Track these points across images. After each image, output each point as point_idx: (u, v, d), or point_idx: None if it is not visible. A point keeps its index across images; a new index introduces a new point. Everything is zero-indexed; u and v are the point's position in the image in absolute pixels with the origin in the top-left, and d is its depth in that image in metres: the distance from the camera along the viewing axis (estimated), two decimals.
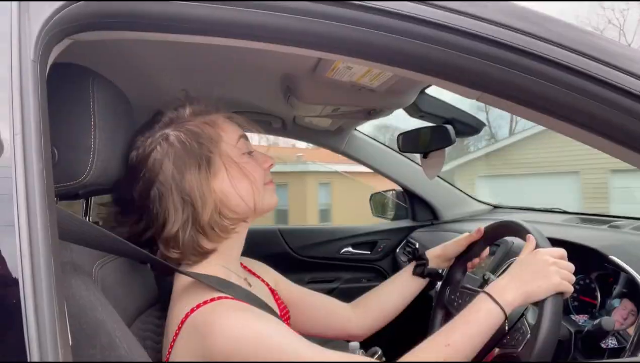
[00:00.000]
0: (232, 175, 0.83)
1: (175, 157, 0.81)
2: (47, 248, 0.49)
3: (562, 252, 0.83)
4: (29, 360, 0.46)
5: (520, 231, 0.95)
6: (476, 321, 0.78)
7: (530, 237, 0.87)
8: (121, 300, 0.81)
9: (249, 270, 1.02)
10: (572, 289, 0.79)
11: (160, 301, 1.01)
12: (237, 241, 0.90)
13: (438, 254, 1.13)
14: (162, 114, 0.86)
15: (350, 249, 2.20)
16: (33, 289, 0.47)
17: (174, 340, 0.74)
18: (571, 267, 0.81)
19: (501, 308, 0.77)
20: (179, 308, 0.77)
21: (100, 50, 0.90)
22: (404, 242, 2.17)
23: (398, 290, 1.12)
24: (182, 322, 0.74)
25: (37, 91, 0.54)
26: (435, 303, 1.14)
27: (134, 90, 0.99)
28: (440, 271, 1.14)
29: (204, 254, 0.83)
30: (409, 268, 1.13)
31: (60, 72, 0.76)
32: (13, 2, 0.56)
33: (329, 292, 1.98)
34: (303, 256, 2.14)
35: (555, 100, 0.65)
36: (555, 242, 0.89)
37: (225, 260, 0.87)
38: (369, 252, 2.20)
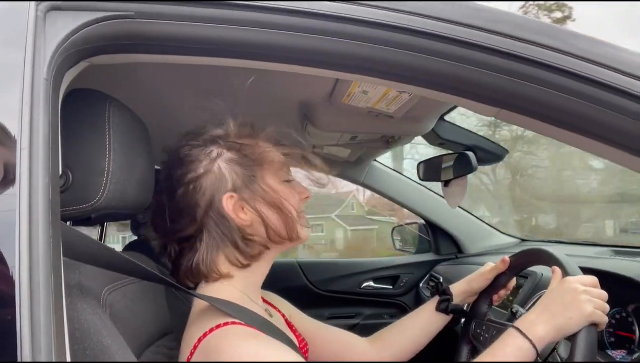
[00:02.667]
0: (269, 201, 0.81)
1: (215, 175, 0.80)
2: (47, 265, 0.47)
3: (593, 279, 0.77)
4: None
5: (547, 259, 0.90)
6: (504, 357, 0.72)
7: (555, 268, 0.82)
8: (131, 327, 0.79)
9: (265, 300, 0.99)
10: (606, 319, 0.73)
11: (172, 331, 0.99)
12: (260, 269, 0.87)
13: (463, 289, 1.07)
14: (206, 129, 0.85)
15: (371, 283, 2.14)
16: (30, 307, 0.46)
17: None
18: (604, 295, 0.75)
19: (532, 343, 0.72)
20: (192, 331, 0.75)
21: (117, 76, 0.92)
22: (427, 276, 2.10)
23: (419, 326, 1.07)
24: (195, 347, 0.71)
25: (47, 108, 0.54)
26: (460, 338, 1.08)
27: (151, 117, 1.00)
28: (464, 307, 1.08)
29: (218, 278, 0.81)
30: (431, 303, 1.08)
31: (78, 96, 0.77)
32: (30, 20, 0.57)
33: (350, 329, 1.92)
34: (323, 290, 2.09)
35: (576, 113, 0.62)
36: (587, 272, 0.83)
37: (244, 287, 0.84)
38: (391, 287, 2.14)
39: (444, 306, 1.05)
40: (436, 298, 1.07)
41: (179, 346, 0.98)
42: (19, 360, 0.45)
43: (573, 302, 0.73)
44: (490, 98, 0.66)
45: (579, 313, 0.72)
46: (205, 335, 0.71)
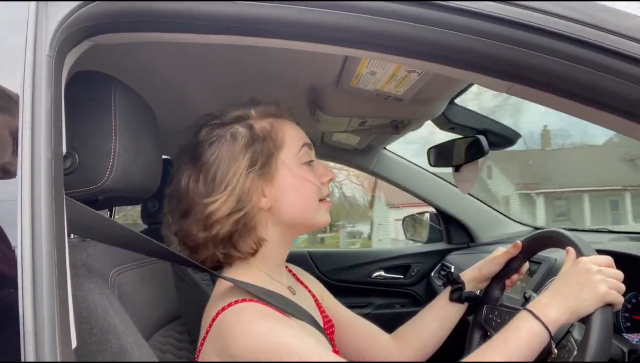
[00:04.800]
0: (287, 183, 0.81)
1: (235, 154, 0.79)
2: (50, 239, 0.47)
3: (607, 259, 0.75)
4: (23, 361, 0.44)
5: (561, 241, 0.88)
6: (516, 340, 0.71)
7: (569, 248, 0.80)
8: (139, 309, 0.79)
9: (297, 278, 0.98)
10: (622, 300, 0.71)
11: (181, 316, 0.99)
12: (282, 246, 0.86)
13: (474, 276, 1.05)
14: (227, 111, 0.84)
15: (382, 273, 2.12)
16: (32, 284, 0.45)
17: (204, 339, 0.73)
18: (619, 274, 0.73)
19: (545, 326, 0.70)
20: (211, 310, 0.75)
21: (123, 59, 0.92)
22: (439, 265, 2.08)
23: (436, 319, 1.05)
24: (213, 321, 0.72)
25: (50, 85, 0.54)
26: (472, 323, 1.06)
27: (158, 101, 1.00)
28: (478, 293, 1.06)
29: (240, 257, 0.81)
30: (444, 294, 1.06)
31: (83, 79, 0.77)
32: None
33: None
34: (333, 280, 2.08)
35: (587, 83, 0.60)
36: (602, 253, 0.81)
37: (267, 267, 0.84)
38: (402, 276, 2.12)
39: (457, 295, 1.03)
40: (448, 289, 1.06)
41: (187, 331, 0.99)
42: (21, 339, 0.44)
43: (587, 282, 0.71)
44: (503, 71, 0.64)
45: (592, 294, 0.70)
46: (222, 309, 0.71)
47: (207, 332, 0.72)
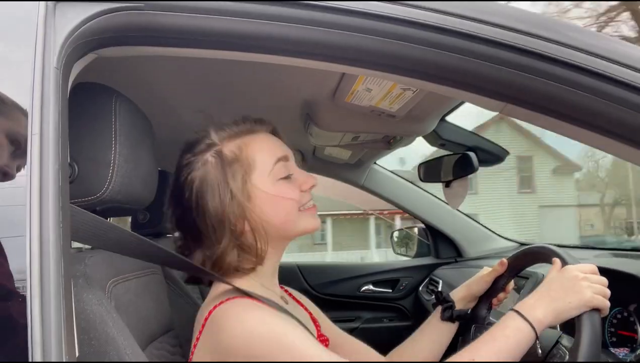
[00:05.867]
0: (264, 203, 0.81)
1: (211, 181, 0.79)
2: (58, 250, 0.47)
3: (592, 267, 0.78)
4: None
5: (548, 255, 0.90)
6: (503, 337, 0.73)
7: (555, 259, 0.83)
8: (134, 321, 0.78)
9: (292, 296, 0.99)
10: (608, 304, 0.74)
11: (174, 328, 0.98)
12: (273, 255, 0.87)
13: (463, 295, 1.06)
14: (204, 135, 0.85)
15: (371, 287, 2.13)
16: (40, 295, 0.45)
17: (197, 339, 0.73)
18: (604, 281, 0.76)
19: (531, 326, 0.73)
20: (205, 309, 0.75)
21: (122, 71, 0.92)
22: (427, 279, 2.10)
23: (429, 339, 1.05)
24: (205, 320, 0.72)
25: (57, 96, 0.54)
26: (460, 343, 1.07)
27: (154, 112, 1.00)
28: (468, 311, 1.08)
29: (243, 274, 0.82)
30: (436, 315, 1.06)
31: (85, 90, 0.77)
32: (40, 12, 0.57)
33: (350, 332, 1.91)
34: (322, 293, 2.08)
35: (580, 106, 0.62)
36: None
37: (261, 276, 0.85)
38: (390, 290, 2.13)
39: (449, 314, 1.03)
40: (439, 309, 1.06)
41: (180, 344, 0.98)
42: (29, 350, 0.44)
43: (572, 287, 0.74)
44: (497, 92, 0.66)
45: (578, 299, 0.73)
46: (215, 307, 0.71)
47: (200, 332, 0.72)
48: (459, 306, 1.05)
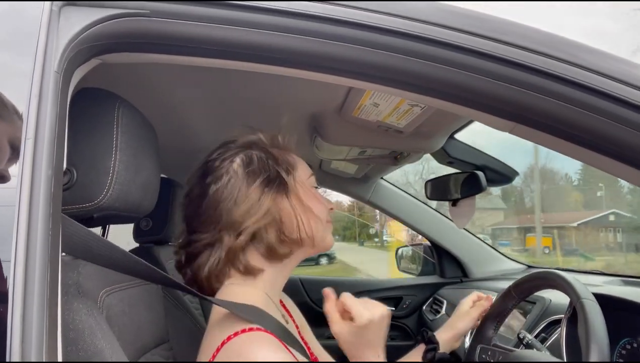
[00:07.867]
0: (301, 201, 0.83)
1: (252, 174, 0.80)
2: (44, 259, 0.46)
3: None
4: None
5: (557, 282, 0.87)
6: None
7: (325, 290, 0.84)
8: (127, 332, 0.76)
9: (285, 308, 0.97)
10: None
11: (168, 340, 0.96)
12: (284, 271, 0.87)
13: (448, 337, 1.06)
14: (237, 138, 0.87)
15: None
16: (23, 301, 0.44)
17: None
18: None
19: None
20: (214, 335, 0.73)
21: (127, 77, 0.92)
22: (431, 299, 2.06)
23: None
24: (218, 350, 0.70)
25: (55, 101, 0.53)
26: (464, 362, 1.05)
27: (158, 120, 1.00)
28: (449, 355, 1.06)
29: (251, 273, 0.81)
30: (418, 351, 1.06)
31: (87, 95, 0.77)
32: (44, 14, 0.57)
33: None
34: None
35: (592, 129, 0.60)
36: (598, 298, 0.81)
37: (269, 289, 0.84)
38: (393, 308, 2.09)
39: (431, 355, 1.04)
40: (422, 348, 1.06)
41: (173, 356, 0.96)
42: (7, 358, 0.43)
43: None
44: (507, 112, 0.65)
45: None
46: (229, 338, 0.69)
47: (212, 358, 0.70)
48: (443, 348, 1.05)
